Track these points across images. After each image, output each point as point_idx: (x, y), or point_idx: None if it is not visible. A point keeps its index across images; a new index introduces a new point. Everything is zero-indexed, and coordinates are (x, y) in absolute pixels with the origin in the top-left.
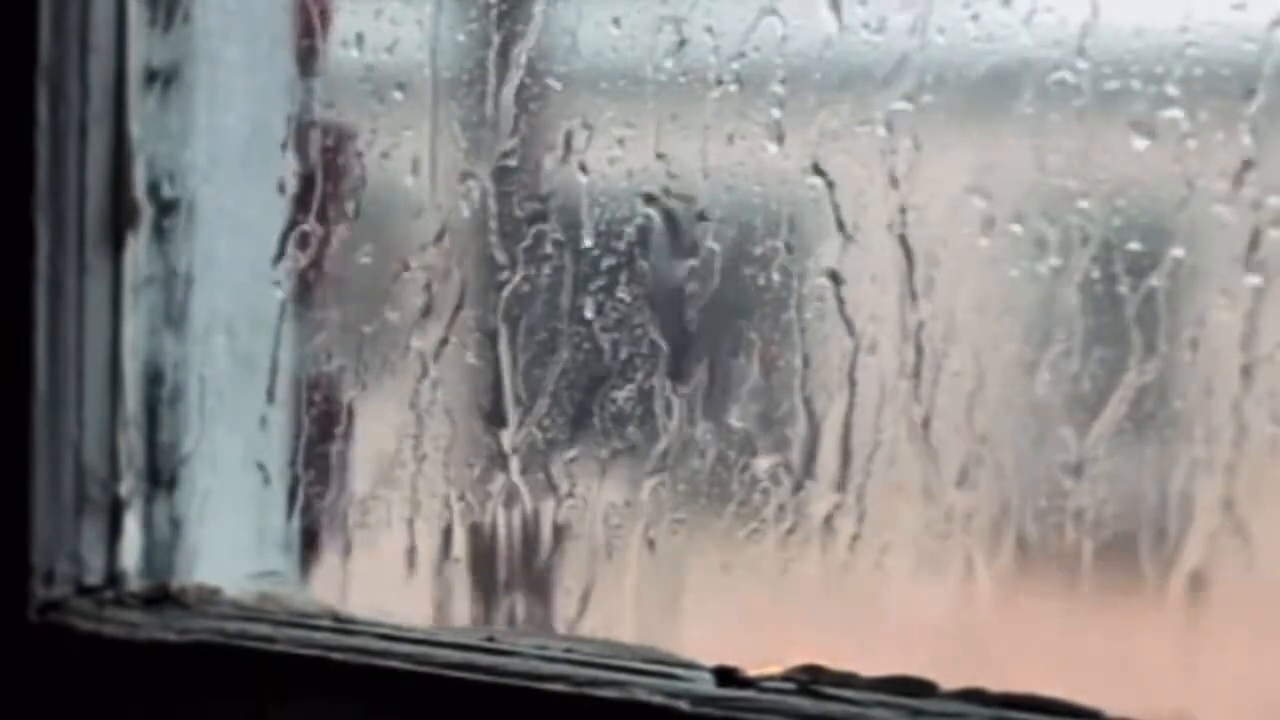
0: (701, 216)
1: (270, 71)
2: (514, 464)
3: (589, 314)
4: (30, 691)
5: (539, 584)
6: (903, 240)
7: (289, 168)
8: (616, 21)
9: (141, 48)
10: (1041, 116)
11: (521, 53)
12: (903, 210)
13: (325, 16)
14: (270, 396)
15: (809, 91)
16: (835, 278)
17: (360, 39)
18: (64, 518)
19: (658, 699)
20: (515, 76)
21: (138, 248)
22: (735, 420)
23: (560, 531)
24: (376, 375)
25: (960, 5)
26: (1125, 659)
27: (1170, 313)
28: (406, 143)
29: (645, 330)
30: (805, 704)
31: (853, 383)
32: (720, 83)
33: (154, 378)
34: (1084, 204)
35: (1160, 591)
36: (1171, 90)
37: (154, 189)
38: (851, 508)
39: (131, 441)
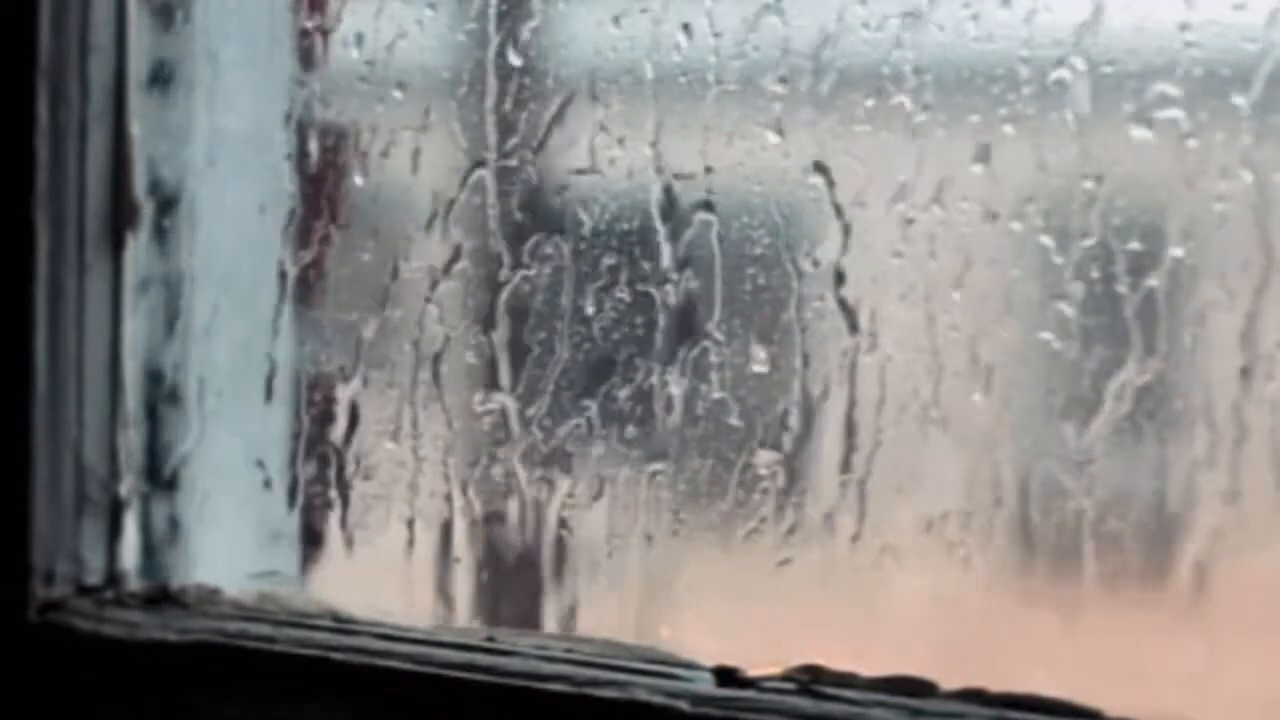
0: (701, 215)
1: (270, 71)
2: (514, 462)
3: (589, 312)
4: (30, 691)
5: (539, 583)
6: (902, 238)
7: (288, 167)
8: (616, 21)
9: (141, 47)
10: (1041, 116)
11: (521, 52)
12: (903, 208)
13: (325, 16)
14: (269, 396)
15: (809, 91)
16: (836, 276)
17: (360, 39)
18: (64, 518)
19: (658, 699)
20: (515, 76)
21: (138, 248)
22: (735, 419)
23: (560, 529)
24: (376, 374)
25: (960, 5)
26: (1126, 658)
27: (1170, 313)
28: (406, 142)
29: (645, 329)
30: (805, 704)
31: (853, 381)
32: (720, 82)
33: (154, 378)
34: (1084, 203)
35: (1161, 591)
36: (1171, 90)
37: (154, 188)
38: (852, 507)
39: (131, 441)
